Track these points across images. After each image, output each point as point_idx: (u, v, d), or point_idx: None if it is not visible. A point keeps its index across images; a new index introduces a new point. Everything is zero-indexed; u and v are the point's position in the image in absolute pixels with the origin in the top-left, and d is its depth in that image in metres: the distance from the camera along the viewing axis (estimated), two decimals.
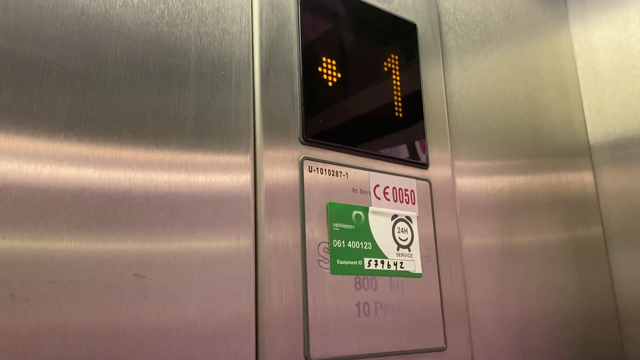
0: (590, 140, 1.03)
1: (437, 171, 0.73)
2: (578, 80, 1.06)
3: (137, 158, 0.49)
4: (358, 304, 0.60)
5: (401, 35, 0.74)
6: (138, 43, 0.51)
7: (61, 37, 0.47)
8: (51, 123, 0.45)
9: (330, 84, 0.64)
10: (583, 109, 1.05)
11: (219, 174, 0.54)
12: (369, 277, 0.61)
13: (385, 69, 0.71)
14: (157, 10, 0.53)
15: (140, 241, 0.48)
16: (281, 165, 0.58)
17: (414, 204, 0.68)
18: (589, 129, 1.04)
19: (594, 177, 1.01)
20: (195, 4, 0.56)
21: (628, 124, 0.99)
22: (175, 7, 0.55)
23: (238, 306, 0.52)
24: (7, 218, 0.42)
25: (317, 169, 0.61)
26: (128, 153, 0.49)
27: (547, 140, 0.95)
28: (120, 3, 0.51)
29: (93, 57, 0.49)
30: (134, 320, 0.46)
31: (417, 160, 0.71)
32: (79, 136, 0.46)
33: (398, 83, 0.71)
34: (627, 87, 0.99)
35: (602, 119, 1.02)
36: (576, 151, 1.01)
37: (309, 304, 0.56)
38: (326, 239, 0.59)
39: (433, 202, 0.71)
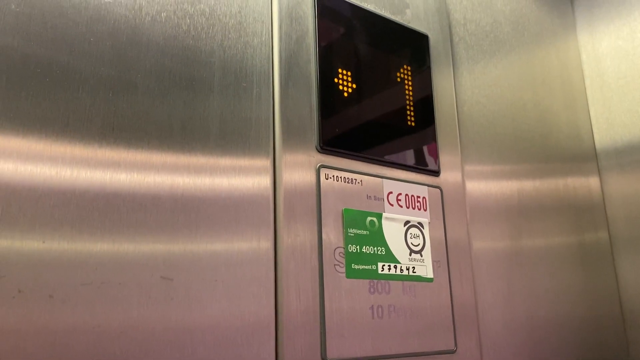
0: (597, 147, 1.05)
1: (448, 178, 0.75)
2: (585, 89, 1.08)
3: (165, 165, 0.52)
4: (372, 307, 0.62)
5: (413, 46, 0.77)
6: (166, 56, 0.54)
7: (94, 51, 0.50)
8: (86, 132, 0.48)
9: (345, 94, 0.67)
10: (590, 116, 1.07)
11: (241, 179, 0.56)
12: (383, 281, 0.64)
13: (398, 79, 0.73)
14: (183, 25, 0.56)
15: (167, 244, 0.50)
16: (299, 172, 0.60)
17: (425, 210, 0.71)
18: (596, 136, 1.06)
19: (601, 183, 1.03)
20: (218, 18, 0.59)
21: (634, 131, 1.00)
22: (201, 22, 0.57)
23: (259, 307, 0.54)
24: (46, 222, 0.44)
25: (333, 176, 0.63)
26: (157, 160, 0.51)
27: (554, 147, 0.97)
28: (149, 19, 0.54)
29: (124, 69, 0.51)
30: (162, 320, 0.48)
31: (428, 167, 0.73)
32: (111, 145, 0.49)
33: (410, 93, 0.74)
34: (633, 95, 1.01)
35: (608, 127, 1.04)
36: (583, 158, 1.02)
37: (325, 307, 0.58)
38: (342, 244, 0.62)
39: (444, 208, 0.73)
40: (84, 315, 0.45)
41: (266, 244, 0.56)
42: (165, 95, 0.53)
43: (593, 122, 1.06)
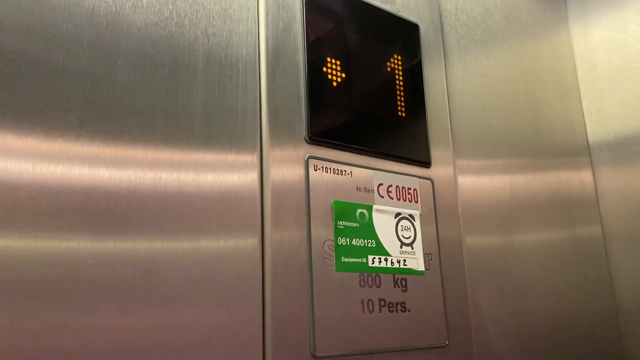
0: (589, 139, 1.04)
1: (440, 170, 0.74)
2: (577, 80, 1.07)
3: (146, 157, 0.50)
4: (362, 301, 0.61)
5: (404, 36, 0.75)
6: (147, 43, 0.52)
7: (72, 37, 0.48)
8: (63, 122, 0.46)
9: (334, 83, 0.65)
10: (582, 108, 1.06)
11: (227, 172, 0.55)
12: (373, 274, 0.62)
13: (389, 69, 0.72)
14: (166, 12, 0.54)
15: (150, 239, 0.48)
16: (287, 164, 0.59)
17: (416, 202, 0.69)
18: (588, 129, 1.05)
19: (593, 177, 1.02)
20: (203, 5, 0.57)
21: (627, 123, 1.00)
22: (184, 8, 0.55)
23: (245, 303, 0.52)
24: (21, 217, 0.42)
25: (322, 167, 0.62)
26: (138, 152, 0.50)
27: (547, 139, 0.96)
28: (130, 4, 0.52)
29: (103, 57, 0.50)
30: (144, 318, 0.46)
31: (419, 159, 0.72)
32: (90, 135, 0.47)
33: (401, 83, 0.72)
34: (625, 87, 1.00)
35: (601, 119, 1.03)
36: (576, 150, 1.02)
37: (314, 301, 0.57)
38: (331, 237, 0.60)
39: (435, 200, 0.72)
40: (63, 313, 0.43)
41: (253, 239, 0.55)
42: (147, 83, 0.51)
43: (585, 114, 1.05)
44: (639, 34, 1.00)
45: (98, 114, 0.48)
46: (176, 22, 0.55)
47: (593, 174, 1.03)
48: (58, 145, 0.46)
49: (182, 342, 0.48)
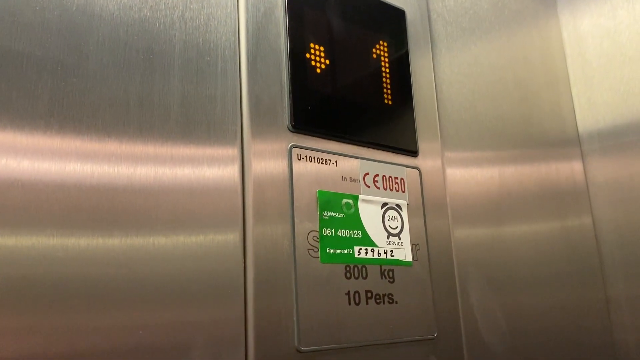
0: (579, 128, 1.03)
1: (427, 159, 0.72)
2: (567, 68, 1.06)
3: (120, 147, 0.48)
4: (348, 293, 0.59)
5: (390, 22, 0.73)
6: (121, 28, 0.50)
7: (41, 21, 0.46)
8: (31, 111, 0.44)
9: (318, 70, 0.63)
10: (572, 96, 1.05)
11: (206, 164, 0.53)
12: (359, 265, 0.61)
13: (374, 55, 0.70)
14: None
15: (125, 235, 0.46)
16: (269, 154, 0.57)
17: (404, 192, 0.68)
18: (578, 117, 1.04)
19: (584, 166, 1.01)
20: None
21: (616, 111, 0.98)
22: None
23: (227, 299, 0.51)
24: None
25: (306, 157, 0.60)
26: (111, 142, 0.47)
27: (536, 128, 0.95)
28: None
29: (74, 42, 0.47)
30: (121, 316, 0.44)
31: (406, 148, 0.70)
32: (60, 124, 0.45)
33: (387, 70, 0.71)
34: (615, 74, 0.99)
35: (590, 107, 1.02)
36: (565, 140, 1.00)
37: (298, 294, 0.55)
38: (316, 228, 0.58)
39: (423, 190, 0.70)
40: (32, 313, 0.41)
41: (234, 232, 0.53)
42: (120, 70, 0.49)
43: (575, 102, 1.04)
44: (628, 20, 0.99)
45: (68, 101, 0.46)
46: (151, 6, 0.52)
47: (583, 163, 1.01)
48: (25, 136, 0.43)
49: (160, 342, 0.46)
